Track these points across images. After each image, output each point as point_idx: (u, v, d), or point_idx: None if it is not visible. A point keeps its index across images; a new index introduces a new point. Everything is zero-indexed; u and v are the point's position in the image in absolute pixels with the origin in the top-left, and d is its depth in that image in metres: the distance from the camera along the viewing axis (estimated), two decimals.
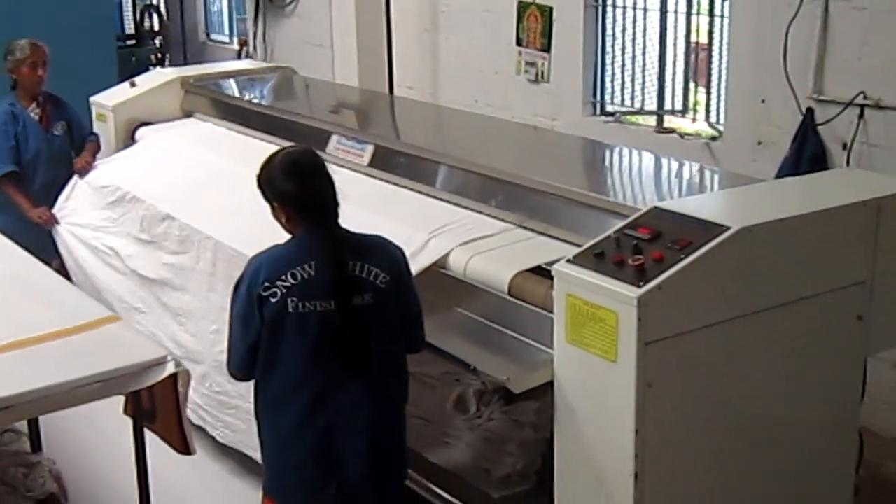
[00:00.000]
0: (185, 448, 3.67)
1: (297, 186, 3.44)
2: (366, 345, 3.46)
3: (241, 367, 3.52)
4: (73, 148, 6.34)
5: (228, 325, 3.52)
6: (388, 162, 4.96)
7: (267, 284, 3.35)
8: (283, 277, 3.35)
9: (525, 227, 4.16)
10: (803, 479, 3.78)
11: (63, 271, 5.71)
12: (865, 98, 5.14)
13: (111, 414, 4.20)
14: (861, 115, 5.17)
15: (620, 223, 3.52)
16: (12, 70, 6.12)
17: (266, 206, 3.58)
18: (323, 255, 3.40)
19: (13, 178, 6.07)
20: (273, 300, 3.34)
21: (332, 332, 3.39)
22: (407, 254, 3.99)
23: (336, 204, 3.49)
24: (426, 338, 3.77)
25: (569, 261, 3.40)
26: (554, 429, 3.56)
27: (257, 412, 3.58)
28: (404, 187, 4.80)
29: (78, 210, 6.02)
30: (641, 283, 3.17)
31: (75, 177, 6.19)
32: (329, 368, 3.43)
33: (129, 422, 3.79)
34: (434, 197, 4.63)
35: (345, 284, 3.40)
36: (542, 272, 3.67)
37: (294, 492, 3.56)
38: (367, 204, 4.66)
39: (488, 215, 4.31)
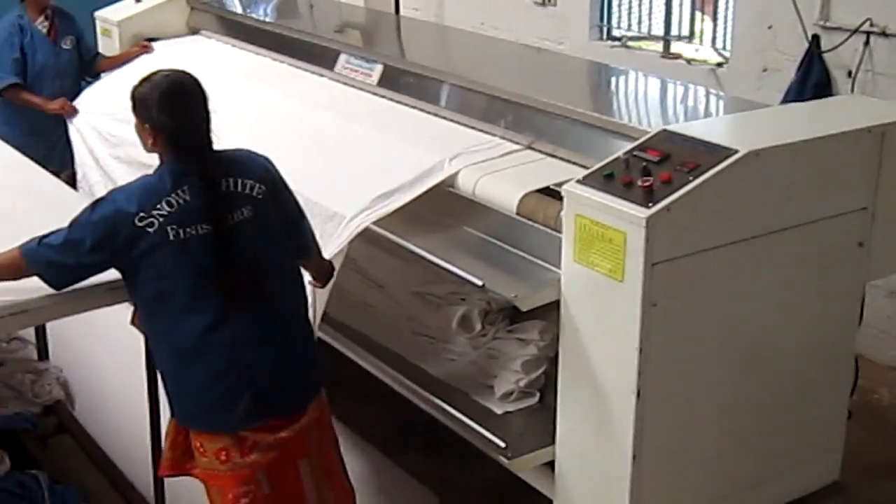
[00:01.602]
0: None
1: (173, 117, 3.31)
2: (248, 260, 3.42)
3: (60, 275, 3.37)
4: (82, 64, 6.34)
5: (66, 230, 3.33)
6: (397, 81, 4.94)
7: (142, 215, 3.24)
8: (159, 206, 3.25)
9: (533, 149, 4.17)
10: (799, 401, 3.85)
11: (71, 182, 5.73)
12: (871, 25, 5.14)
13: (118, 326, 4.28)
14: (867, 43, 5.18)
15: (628, 145, 3.54)
16: None
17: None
18: (194, 178, 3.32)
19: (19, 90, 6.09)
20: (151, 230, 3.24)
21: (213, 255, 3.33)
22: (417, 173, 4.04)
23: (209, 130, 3.40)
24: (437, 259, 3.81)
25: (578, 181, 3.42)
26: (558, 347, 3.61)
27: (151, 341, 3.55)
28: (413, 107, 4.79)
29: (94, 103, 6.04)
30: (650, 204, 3.20)
31: (95, 82, 6.25)
32: (217, 293, 3.37)
33: (136, 333, 3.85)
34: (443, 117, 4.62)
35: (219, 205, 3.34)
36: (551, 192, 3.70)
37: (205, 412, 3.49)
38: (378, 124, 4.69)
39: (497, 136, 4.31)
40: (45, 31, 6.16)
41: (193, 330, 3.40)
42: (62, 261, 3.33)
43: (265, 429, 3.52)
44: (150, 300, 3.40)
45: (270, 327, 3.50)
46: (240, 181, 3.40)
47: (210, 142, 3.40)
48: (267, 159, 3.55)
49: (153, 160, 3.48)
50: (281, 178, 3.56)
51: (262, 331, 3.48)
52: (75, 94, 6.20)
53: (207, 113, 3.40)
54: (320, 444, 3.74)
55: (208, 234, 3.31)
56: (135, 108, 3.38)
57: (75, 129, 6.04)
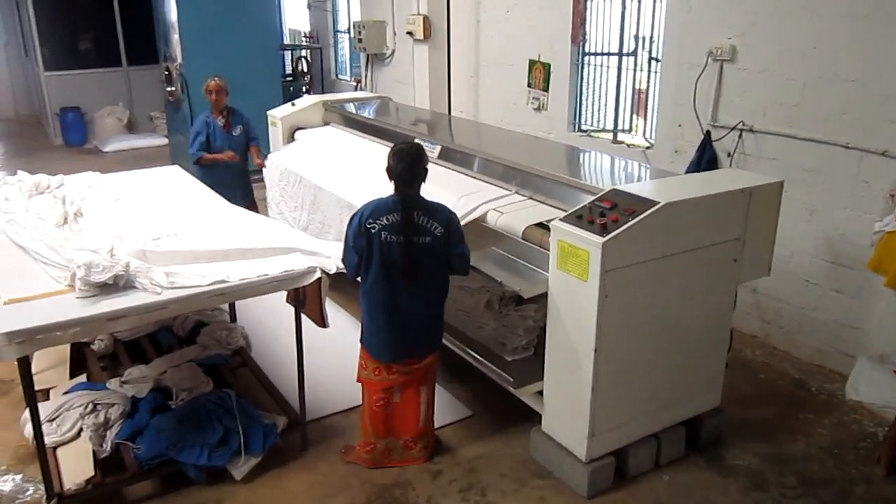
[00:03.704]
0: (322, 324, 3.74)
1: (396, 166, 3.47)
2: (417, 266, 3.48)
3: (351, 267, 3.57)
4: (247, 142, 6.34)
5: (343, 240, 3.57)
6: (450, 156, 4.94)
7: (370, 220, 3.44)
8: (380, 219, 3.44)
9: (533, 199, 4.16)
10: (697, 356, 3.83)
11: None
12: (743, 125, 5.08)
13: (278, 303, 4.30)
14: (740, 136, 5.12)
15: (591, 198, 3.54)
16: (207, 95, 6.17)
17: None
18: (403, 209, 3.45)
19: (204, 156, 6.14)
20: (373, 231, 3.44)
21: (399, 255, 3.46)
22: (462, 212, 4.02)
23: (419, 180, 3.50)
24: (471, 264, 3.80)
25: (560, 219, 3.43)
26: (546, 321, 3.61)
27: (360, 295, 3.64)
28: (459, 172, 4.78)
29: (273, 163, 6.10)
30: (604, 235, 3.21)
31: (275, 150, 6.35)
32: (396, 276, 3.49)
33: (289, 307, 3.87)
34: (477, 178, 4.61)
35: (411, 229, 3.44)
36: (543, 226, 3.69)
37: (380, 343, 3.63)
38: (438, 182, 4.60)
39: (511, 191, 4.29)
40: (222, 124, 6.17)
41: (379, 296, 3.55)
42: (345, 249, 3.55)
43: (405, 363, 3.67)
44: (364, 270, 3.53)
45: (422, 305, 3.59)
46: (429, 220, 3.48)
47: (417, 190, 3.50)
48: (452, 213, 3.59)
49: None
50: (456, 225, 3.57)
51: (416, 306, 3.57)
52: (243, 161, 6.27)
53: (420, 172, 3.49)
54: (432, 379, 3.81)
55: (401, 243, 3.45)
56: (388, 155, 3.52)
57: (267, 176, 6.14)
